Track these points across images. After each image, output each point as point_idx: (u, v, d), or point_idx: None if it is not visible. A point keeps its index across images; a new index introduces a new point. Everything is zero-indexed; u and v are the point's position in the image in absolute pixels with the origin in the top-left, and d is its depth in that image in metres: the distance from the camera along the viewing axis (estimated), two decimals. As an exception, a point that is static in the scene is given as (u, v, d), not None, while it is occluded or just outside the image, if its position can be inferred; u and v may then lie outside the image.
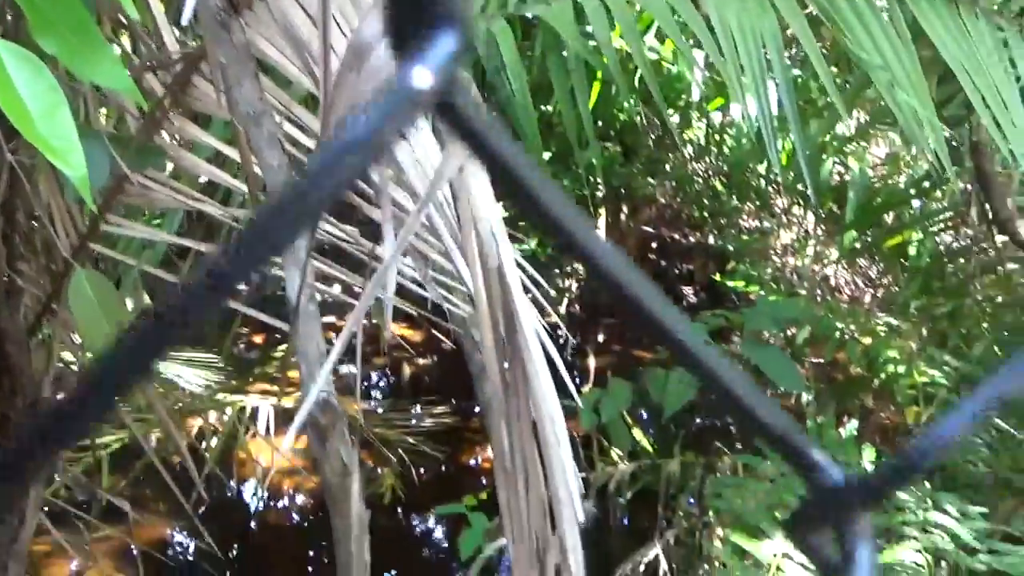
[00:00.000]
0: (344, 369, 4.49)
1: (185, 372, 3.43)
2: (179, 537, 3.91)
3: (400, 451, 3.97)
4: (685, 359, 0.24)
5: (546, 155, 5.15)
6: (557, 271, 6.39)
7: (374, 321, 5.54)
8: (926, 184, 4.53)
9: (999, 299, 3.96)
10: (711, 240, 6.30)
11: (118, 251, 1.89)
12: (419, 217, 0.87)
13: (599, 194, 6.14)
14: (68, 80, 1.40)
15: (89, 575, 3.40)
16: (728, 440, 4.26)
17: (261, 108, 1.10)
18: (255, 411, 3.50)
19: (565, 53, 2.92)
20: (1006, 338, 3.73)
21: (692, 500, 3.47)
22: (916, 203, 4.87)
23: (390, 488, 4.02)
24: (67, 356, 2.07)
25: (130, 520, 2.35)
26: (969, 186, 3.87)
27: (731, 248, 5.84)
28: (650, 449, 3.88)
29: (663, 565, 3.21)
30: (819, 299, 5.12)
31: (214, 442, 3.47)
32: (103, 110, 1.88)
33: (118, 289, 1.88)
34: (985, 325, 3.88)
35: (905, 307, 4.41)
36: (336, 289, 1.81)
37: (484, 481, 4.46)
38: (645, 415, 4.76)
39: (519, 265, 1.17)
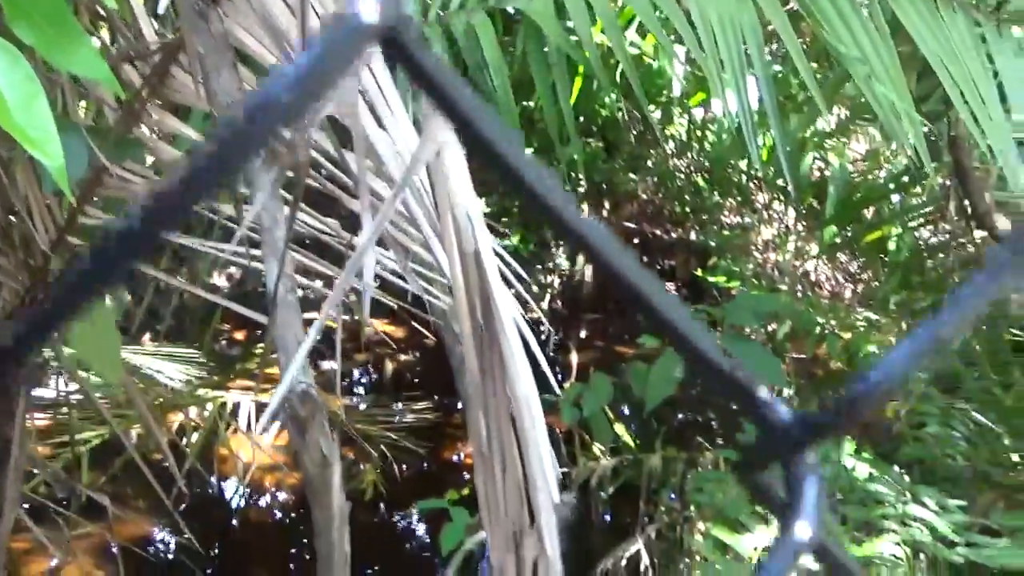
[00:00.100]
0: (326, 365, 4.49)
1: (166, 367, 3.41)
2: (160, 533, 3.89)
3: (382, 447, 3.97)
4: (626, 290, 0.24)
5: (528, 151, 5.15)
6: (539, 267, 6.40)
7: (355, 317, 5.54)
8: (905, 179, 4.55)
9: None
10: (693, 236, 6.32)
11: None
12: (395, 202, 0.87)
13: (581, 190, 6.15)
14: (46, 72, 1.39)
15: (68, 572, 3.38)
16: (709, 435, 4.28)
17: (240, 98, 1.09)
18: (236, 407, 3.49)
19: (546, 49, 2.92)
20: (984, 332, 3.75)
21: (673, 495, 3.48)
22: (895, 198, 4.90)
23: (371, 484, 4.01)
24: (48, 352, 2.05)
25: (110, 516, 2.33)
26: (948, 181, 3.89)
27: (712, 244, 5.87)
28: (632, 444, 3.89)
29: (645, 559, 3.22)
30: (800, 294, 5.15)
31: (195, 438, 3.46)
32: (82, 103, 1.87)
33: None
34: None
35: (885, 302, 4.44)
36: (318, 284, 1.80)
37: (466, 477, 4.47)
38: (627, 411, 4.77)
39: (502, 259, 1.17)
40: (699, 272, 5.92)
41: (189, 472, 2.92)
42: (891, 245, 4.77)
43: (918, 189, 4.71)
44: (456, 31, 2.54)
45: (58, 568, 3.41)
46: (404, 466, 4.12)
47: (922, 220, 4.77)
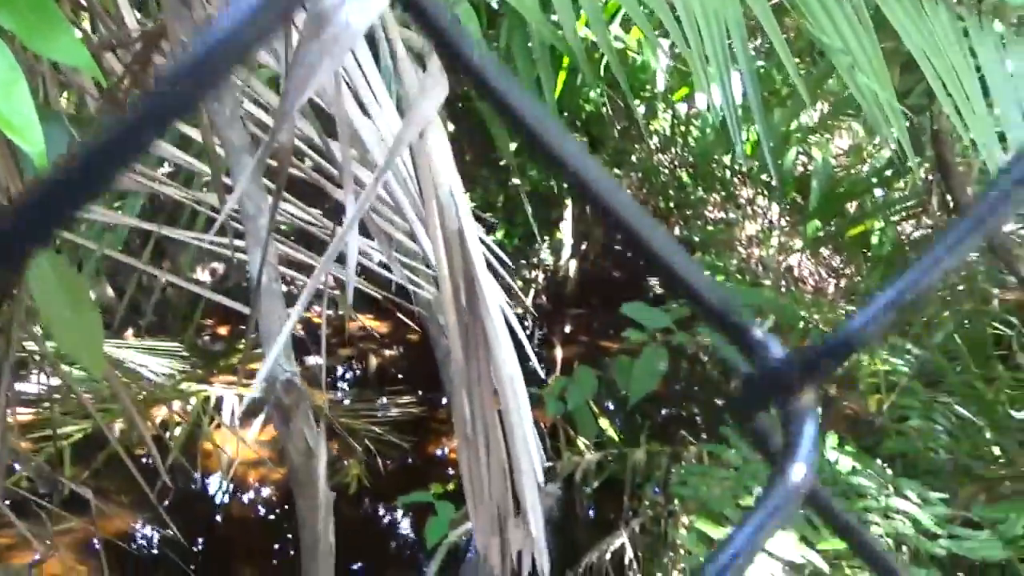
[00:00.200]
0: (311, 360, 4.48)
1: (149, 361, 3.40)
2: (143, 528, 3.88)
3: (366, 441, 3.96)
4: (624, 231, 0.24)
5: (512, 146, 5.15)
6: (524, 262, 6.40)
7: (340, 312, 5.53)
8: (888, 174, 4.57)
9: (959, 287, 4.00)
10: (677, 231, 6.33)
11: (78, 235, 1.86)
12: (379, 184, 0.87)
13: (565, 185, 6.15)
14: (28, 61, 1.38)
15: (51, 566, 3.36)
16: (693, 430, 4.29)
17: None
18: (219, 401, 3.48)
19: (531, 44, 2.91)
20: (966, 326, 3.78)
21: (657, 489, 3.49)
22: (878, 192, 4.92)
23: (356, 478, 4.01)
24: (31, 346, 2.04)
25: (92, 509, 2.32)
26: (930, 176, 3.91)
27: (697, 239, 5.88)
28: (616, 439, 3.89)
29: (629, 553, 3.23)
30: (783, 289, 5.17)
31: (178, 431, 3.44)
32: (64, 94, 1.86)
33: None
34: (946, 313, 3.93)
35: (868, 296, 4.45)
36: (305, 278, 1.80)
37: (451, 471, 4.47)
38: (611, 406, 4.78)
39: (485, 246, 1.16)
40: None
41: (173, 467, 2.90)
42: (874, 239, 4.79)
43: (901, 184, 4.74)
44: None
45: (41, 562, 3.39)
46: (388, 460, 4.12)
47: (905, 214, 4.79)
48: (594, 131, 6.07)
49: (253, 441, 3.89)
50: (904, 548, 2.55)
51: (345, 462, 4.12)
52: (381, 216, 1.25)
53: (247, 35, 0.19)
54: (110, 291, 4.28)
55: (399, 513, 4.24)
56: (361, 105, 1.02)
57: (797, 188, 5.28)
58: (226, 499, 4.29)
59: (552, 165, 0.23)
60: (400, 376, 5.59)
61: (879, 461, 2.86)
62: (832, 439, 3.06)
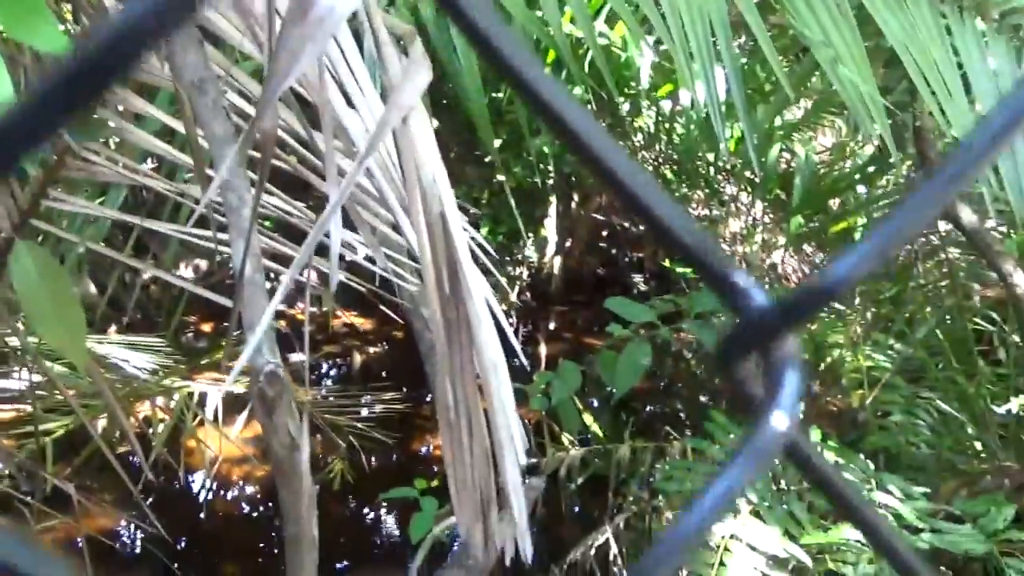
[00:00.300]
0: (295, 357, 4.47)
1: (132, 357, 3.38)
2: (127, 524, 3.86)
3: (350, 438, 3.95)
4: (607, 177, 0.24)
5: (497, 142, 5.15)
6: (508, 259, 6.40)
7: (324, 309, 5.51)
8: (870, 170, 4.59)
9: (942, 284, 4.03)
10: (661, 228, 6.33)
11: (60, 228, 1.85)
12: (362, 168, 0.87)
13: (550, 182, 6.15)
14: (8, 52, 1.37)
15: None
16: (677, 426, 4.30)
17: (206, 75, 1.08)
18: (203, 397, 3.46)
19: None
20: (948, 322, 3.80)
21: (642, 485, 3.49)
22: (861, 189, 4.94)
23: (339, 474, 4.00)
24: (13, 342, 2.03)
25: (75, 504, 2.31)
26: (912, 172, 3.93)
27: (681, 236, 5.88)
28: (601, 435, 3.90)
29: (613, 548, 3.24)
30: (767, 286, 5.18)
31: (161, 428, 3.43)
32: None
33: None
34: (928, 309, 3.96)
35: (850, 293, 4.47)
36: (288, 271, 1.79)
37: (435, 468, 4.47)
38: (596, 403, 4.79)
39: (471, 236, 1.16)
40: (667, 263, 5.95)
41: (157, 463, 2.89)
42: (857, 236, 4.81)
43: (884, 180, 4.75)
44: (425, 17, 2.52)
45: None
46: (372, 457, 4.11)
47: (887, 211, 4.80)
48: (579, 128, 6.06)
49: (237, 438, 3.88)
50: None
51: (329, 459, 4.11)
52: (366, 209, 1.25)
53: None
54: (92, 287, 4.26)
55: (383, 509, 4.24)
56: (345, 95, 1.02)
57: (780, 185, 5.29)
58: (210, 496, 4.27)
59: (541, 113, 0.23)
60: (384, 373, 5.58)
61: (862, 456, 2.87)
62: (815, 434, 3.08)
